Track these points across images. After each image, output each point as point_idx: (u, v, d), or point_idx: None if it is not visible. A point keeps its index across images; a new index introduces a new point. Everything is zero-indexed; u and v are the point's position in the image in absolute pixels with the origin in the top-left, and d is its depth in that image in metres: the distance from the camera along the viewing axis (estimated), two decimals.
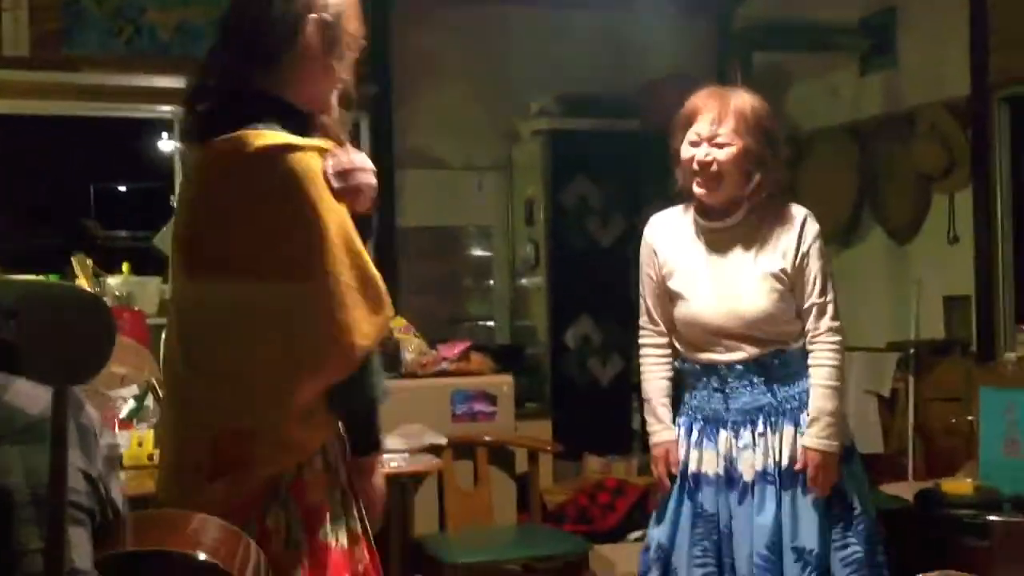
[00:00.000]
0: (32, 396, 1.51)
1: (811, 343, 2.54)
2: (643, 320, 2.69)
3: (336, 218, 1.75)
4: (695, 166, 2.51)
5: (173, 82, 5.10)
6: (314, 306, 1.75)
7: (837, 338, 2.54)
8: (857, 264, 4.87)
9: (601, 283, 5.27)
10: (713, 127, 2.48)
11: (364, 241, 1.83)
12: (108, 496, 1.64)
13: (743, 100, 2.51)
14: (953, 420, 3.97)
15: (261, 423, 1.79)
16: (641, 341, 2.70)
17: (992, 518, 3.11)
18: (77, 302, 1.38)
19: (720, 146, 2.48)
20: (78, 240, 6.56)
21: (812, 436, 2.49)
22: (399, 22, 5.13)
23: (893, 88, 4.79)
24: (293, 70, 1.82)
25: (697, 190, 2.53)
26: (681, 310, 2.58)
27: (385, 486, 1.95)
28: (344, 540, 1.84)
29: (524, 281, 5.50)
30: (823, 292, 2.54)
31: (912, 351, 4.53)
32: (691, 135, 2.52)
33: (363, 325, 1.76)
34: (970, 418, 3.76)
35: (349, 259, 1.75)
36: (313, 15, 1.81)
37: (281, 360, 1.77)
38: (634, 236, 5.33)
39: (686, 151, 2.53)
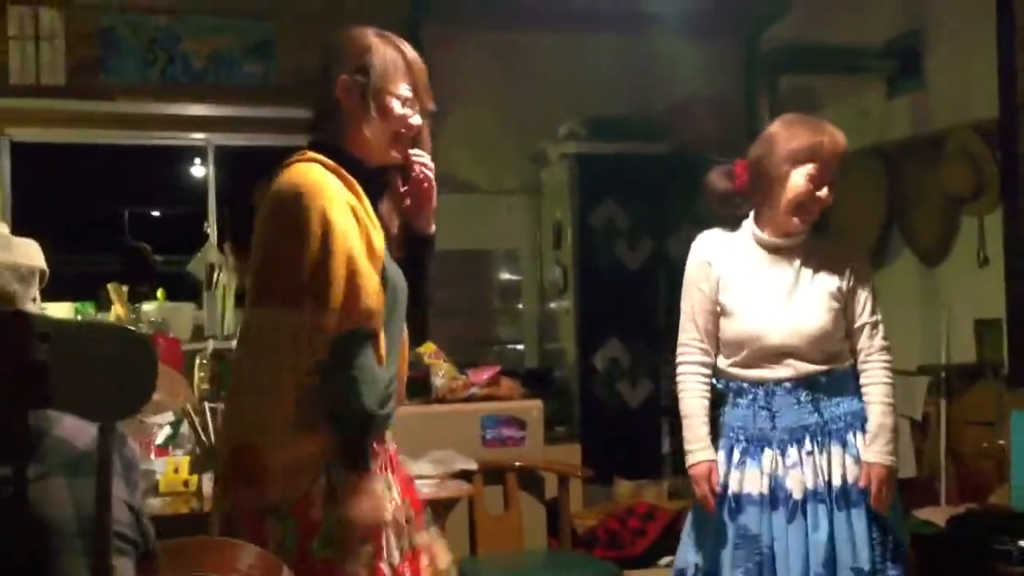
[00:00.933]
0: (80, 430, 1.56)
1: (865, 361, 2.61)
2: (687, 338, 2.68)
3: (329, 231, 1.86)
4: (809, 201, 2.55)
5: (206, 110, 5.20)
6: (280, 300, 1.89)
7: (889, 357, 2.62)
8: (886, 287, 4.82)
9: (629, 306, 5.29)
10: (835, 169, 2.56)
11: (420, 263, 2.06)
12: (145, 525, 1.69)
13: (842, 137, 2.61)
14: (985, 444, 3.94)
15: (264, 439, 1.88)
16: (683, 359, 2.69)
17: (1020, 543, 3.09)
18: (122, 340, 1.43)
19: (831, 187, 2.56)
20: (132, 265, 6.64)
21: (876, 452, 2.54)
22: (427, 46, 5.17)
23: (921, 110, 4.78)
24: (338, 124, 2.02)
25: (796, 221, 2.58)
26: (736, 325, 2.60)
27: (374, 514, 1.90)
28: (335, 555, 1.87)
29: (553, 304, 5.52)
30: (874, 311, 2.62)
31: (943, 375, 4.51)
32: (813, 169, 2.54)
33: (325, 321, 1.84)
34: (1001, 442, 3.74)
35: (329, 265, 1.85)
36: (344, 76, 2.00)
37: (271, 370, 1.89)
38: (662, 259, 5.46)
39: (803, 185, 2.55)
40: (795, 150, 2.55)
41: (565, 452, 4.65)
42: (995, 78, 4.26)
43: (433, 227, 2.10)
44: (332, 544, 1.87)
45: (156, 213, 8.45)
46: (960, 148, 4.48)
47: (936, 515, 3.65)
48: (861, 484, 2.52)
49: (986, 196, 4.40)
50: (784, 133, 2.59)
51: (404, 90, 2.02)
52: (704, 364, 2.66)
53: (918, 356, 4.67)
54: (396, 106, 2.01)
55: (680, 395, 2.69)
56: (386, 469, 2.00)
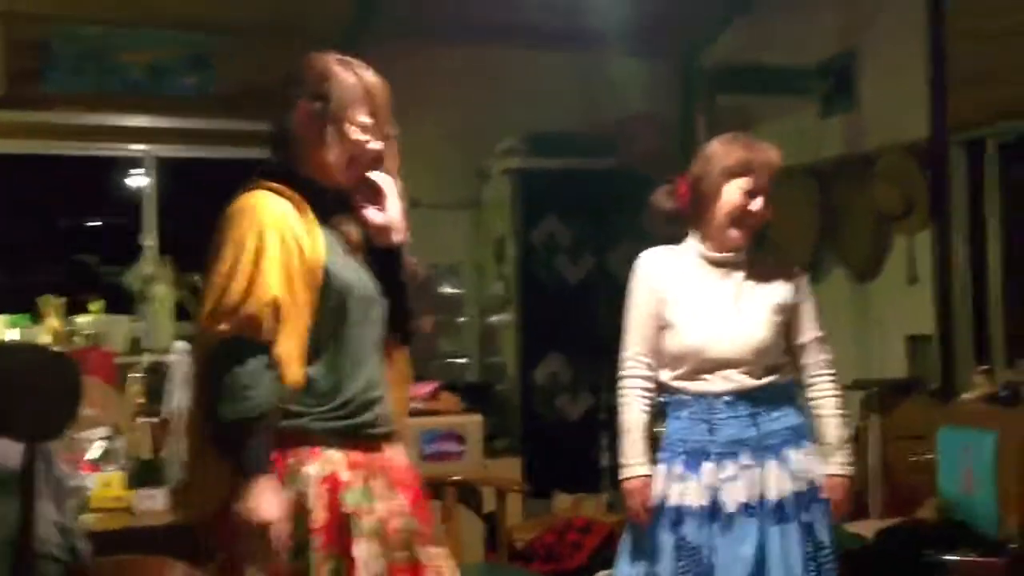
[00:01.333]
0: (7, 450, 1.55)
1: (814, 376, 2.69)
2: (630, 352, 2.69)
3: (248, 245, 1.95)
4: (743, 215, 2.62)
5: (145, 121, 5.16)
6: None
7: (834, 371, 2.72)
8: (820, 303, 4.93)
9: (570, 320, 5.33)
10: (767, 182, 2.62)
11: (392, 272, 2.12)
12: (74, 544, 1.68)
13: (776, 153, 2.67)
14: (914, 458, 4.02)
15: (192, 447, 2.02)
16: (626, 374, 2.70)
17: (951, 557, 3.16)
18: (46, 362, 1.43)
19: (766, 201, 2.62)
20: (78, 277, 6.53)
21: (838, 464, 2.64)
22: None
23: (854, 130, 4.89)
24: (296, 147, 2.08)
25: (734, 234, 2.63)
26: (679, 339, 2.63)
27: (258, 520, 1.89)
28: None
29: (494, 318, 5.54)
30: (818, 327, 2.71)
31: (875, 390, 4.59)
32: (745, 184, 2.61)
33: (213, 313, 1.94)
34: (930, 456, 3.82)
35: (231, 281, 1.94)
36: (303, 101, 2.06)
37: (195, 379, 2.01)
38: (603, 274, 5.50)
39: (737, 198, 2.61)
40: (729, 165, 2.63)
41: (506, 466, 4.67)
42: (925, 100, 4.38)
43: (397, 238, 2.12)
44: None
45: (94, 223, 8.33)
46: (891, 168, 4.58)
47: (865, 528, 3.71)
48: (825, 495, 2.60)
49: (916, 215, 4.51)
50: (720, 150, 2.67)
51: (363, 117, 2.07)
52: (646, 379, 2.69)
53: (851, 371, 4.74)
54: (353, 133, 2.06)
55: (621, 409, 2.71)
56: (369, 480, 2.01)
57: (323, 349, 2.00)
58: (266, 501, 1.89)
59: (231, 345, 1.90)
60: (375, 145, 2.09)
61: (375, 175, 2.12)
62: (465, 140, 5.49)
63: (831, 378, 2.70)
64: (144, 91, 5.05)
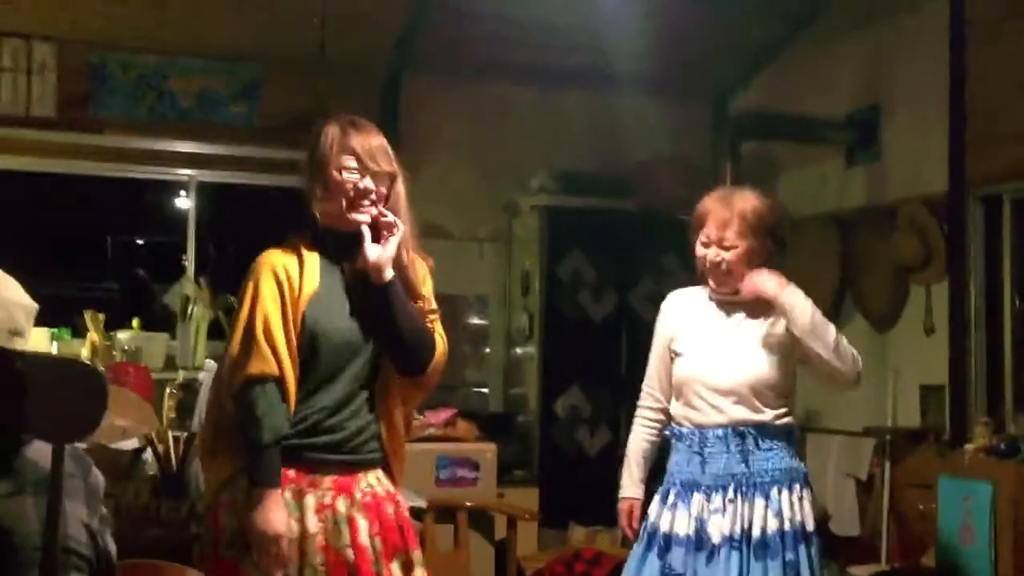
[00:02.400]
0: (47, 452, 1.70)
1: None
2: (645, 384, 2.94)
3: (252, 295, 2.28)
4: (708, 265, 2.78)
5: (192, 147, 5.36)
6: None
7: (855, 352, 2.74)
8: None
9: (592, 355, 5.44)
10: (720, 231, 2.76)
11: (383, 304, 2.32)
12: (105, 547, 1.82)
13: (746, 203, 2.77)
14: (922, 507, 4.08)
15: (201, 456, 2.44)
16: (639, 403, 2.95)
17: None
18: (75, 372, 1.60)
19: (727, 248, 2.76)
20: (131, 293, 6.70)
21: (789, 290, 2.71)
22: (406, 96, 5.39)
23: (876, 181, 4.98)
24: (310, 201, 2.36)
25: (711, 283, 2.82)
26: (681, 367, 2.81)
27: (272, 531, 2.19)
28: (237, 554, 2.23)
29: (519, 350, 5.66)
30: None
31: (888, 437, 4.66)
32: (702, 236, 2.79)
33: (235, 368, 2.26)
34: (934, 505, 3.88)
35: (243, 324, 2.27)
36: (305, 162, 2.36)
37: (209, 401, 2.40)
38: (625, 310, 5.61)
39: (699, 250, 2.81)
40: (695, 218, 2.84)
41: (523, 495, 4.78)
42: (945, 155, 4.46)
43: (381, 278, 2.31)
44: (235, 545, 2.23)
45: (139, 241, 8.57)
46: (910, 220, 4.66)
47: (865, 572, 3.79)
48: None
49: (933, 267, 4.58)
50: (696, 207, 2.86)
51: (346, 160, 2.30)
52: (653, 409, 2.91)
53: (865, 418, 4.83)
54: (336, 176, 2.30)
55: (630, 436, 2.96)
56: (304, 497, 2.27)
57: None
58: (275, 514, 2.20)
59: (255, 382, 2.22)
60: (366, 183, 2.30)
61: (389, 216, 2.34)
62: (497, 176, 5.64)
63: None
64: (192, 118, 5.26)
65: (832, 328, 2.74)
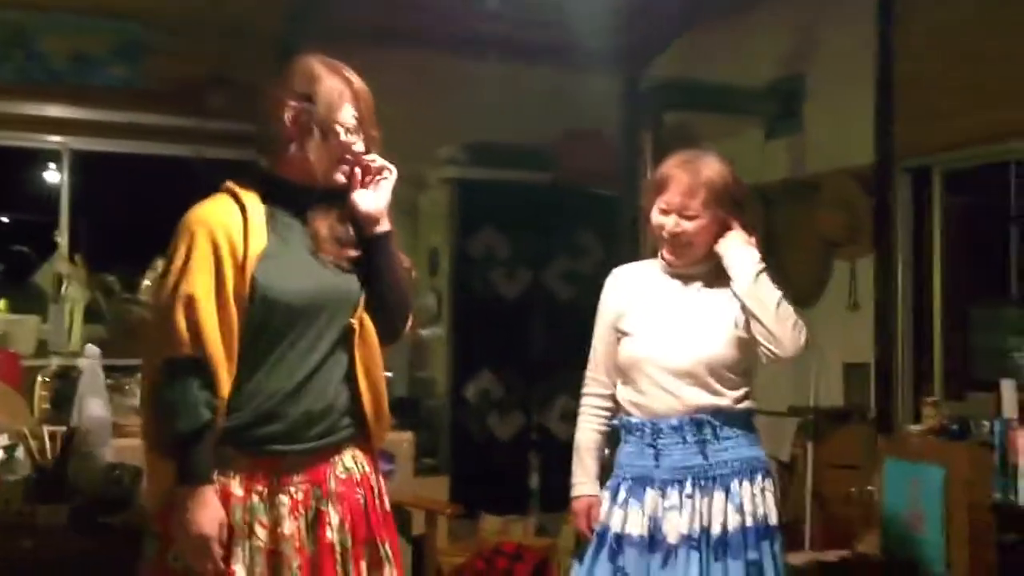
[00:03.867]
0: None
1: None
2: (589, 370, 2.68)
3: (176, 263, 2.00)
4: (665, 234, 2.53)
5: (66, 112, 4.90)
6: None
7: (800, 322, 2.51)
8: None
9: (504, 337, 5.20)
10: (683, 199, 2.49)
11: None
12: None
13: (713, 170, 2.52)
14: (853, 490, 3.95)
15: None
16: (583, 392, 2.69)
17: None
18: None
19: (690, 218, 2.50)
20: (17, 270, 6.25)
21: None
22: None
23: (798, 153, 4.85)
24: (280, 148, 2.10)
25: (666, 256, 2.58)
26: (628, 347, 2.56)
27: (199, 532, 1.94)
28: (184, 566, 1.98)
29: (425, 332, 5.37)
30: None
31: (811, 417, 4.53)
32: (661, 203, 2.53)
33: (149, 349, 2.04)
34: (870, 488, 3.75)
35: (161, 297, 2.01)
36: (291, 103, 2.08)
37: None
38: (540, 289, 5.38)
39: (656, 218, 2.55)
40: (652, 183, 2.60)
41: (433, 485, 4.53)
42: (871, 126, 4.34)
43: (378, 228, 2.15)
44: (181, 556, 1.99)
45: (3, 219, 7.99)
46: (835, 193, 4.55)
47: (802, 560, 3.63)
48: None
49: (859, 241, 4.47)
50: (657, 168, 2.62)
51: (349, 119, 2.10)
52: (602, 397, 2.65)
53: (787, 397, 4.70)
54: (341, 134, 2.09)
55: (577, 427, 2.69)
56: (274, 496, 2.01)
57: (242, 358, 2.00)
58: (202, 514, 1.93)
59: (167, 365, 1.97)
60: (360, 147, 2.13)
61: (380, 160, 2.17)
62: (402, 146, 5.30)
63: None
64: (66, 80, 4.80)
65: (776, 292, 2.50)
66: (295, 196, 2.09)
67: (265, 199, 2.08)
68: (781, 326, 2.46)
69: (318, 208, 2.10)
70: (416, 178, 5.37)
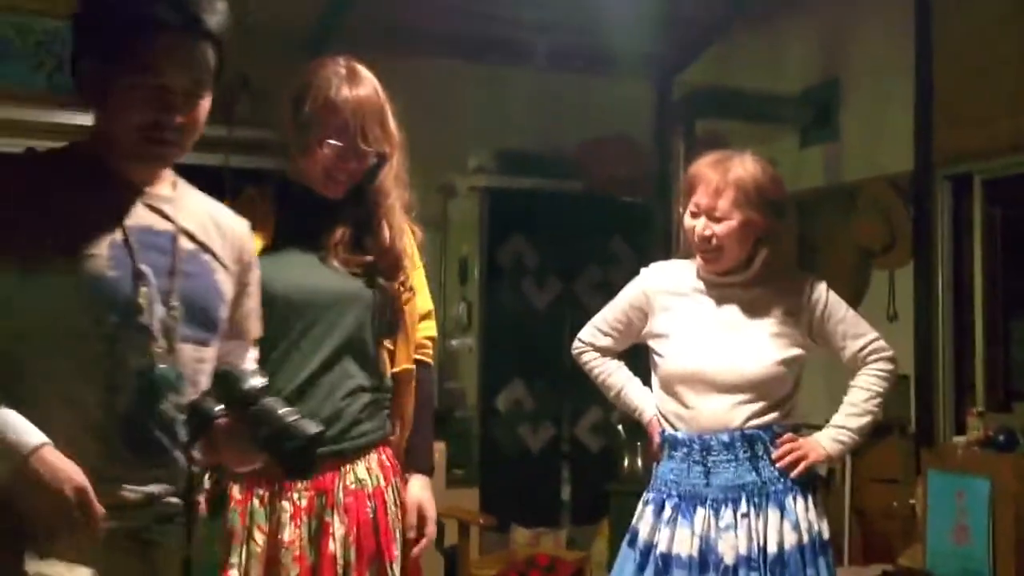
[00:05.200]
0: None
1: (859, 372, 2.52)
2: (589, 325, 2.60)
3: None
4: (695, 238, 2.43)
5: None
6: None
7: (884, 365, 2.47)
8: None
9: (535, 346, 5.13)
10: (712, 200, 2.39)
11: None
12: None
13: (745, 170, 2.42)
14: (895, 504, 3.85)
15: None
16: (584, 339, 2.61)
17: None
18: None
19: (718, 220, 2.39)
20: None
21: (829, 435, 2.47)
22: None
23: (834, 161, 4.77)
24: (290, 156, 2.11)
25: (699, 260, 2.47)
26: (672, 358, 2.44)
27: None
28: None
29: (455, 342, 5.32)
30: (859, 334, 2.49)
31: None
32: (691, 205, 2.44)
33: None
34: (912, 501, 3.66)
35: None
36: (287, 103, 2.08)
37: None
38: (569, 298, 5.31)
39: (687, 220, 2.45)
40: (682, 185, 2.50)
41: (464, 496, 4.47)
42: (910, 133, 4.26)
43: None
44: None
45: None
46: (873, 201, 4.46)
47: (842, 575, 3.54)
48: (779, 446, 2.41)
49: (897, 250, 4.38)
50: (687, 170, 2.52)
51: (332, 137, 2.03)
52: (603, 348, 2.59)
53: (825, 410, 4.58)
54: (324, 148, 2.03)
55: (597, 376, 2.61)
56: (303, 509, 1.96)
57: None
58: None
59: None
60: (348, 163, 2.06)
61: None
62: (431, 156, 5.24)
63: (875, 373, 2.48)
64: None
65: (880, 399, 2.50)
66: (307, 200, 2.07)
67: (280, 202, 2.07)
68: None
69: (336, 212, 2.07)
70: (446, 187, 5.33)
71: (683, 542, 2.37)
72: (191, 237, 1.64)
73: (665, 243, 4.59)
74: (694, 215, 2.42)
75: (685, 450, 2.42)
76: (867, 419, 2.47)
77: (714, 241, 2.40)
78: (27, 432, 1.47)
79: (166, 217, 1.62)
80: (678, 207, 2.54)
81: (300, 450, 1.55)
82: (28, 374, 1.51)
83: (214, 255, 1.66)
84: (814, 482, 2.48)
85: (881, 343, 2.50)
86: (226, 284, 1.67)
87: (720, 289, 2.47)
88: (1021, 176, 4.11)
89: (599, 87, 5.32)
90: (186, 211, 1.65)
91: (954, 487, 3.31)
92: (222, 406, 1.56)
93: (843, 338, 2.48)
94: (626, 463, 4.66)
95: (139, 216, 1.59)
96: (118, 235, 1.55)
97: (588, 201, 5.21)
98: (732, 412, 2.39)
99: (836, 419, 2.50)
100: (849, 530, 4.34)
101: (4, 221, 1.51)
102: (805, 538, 2.36)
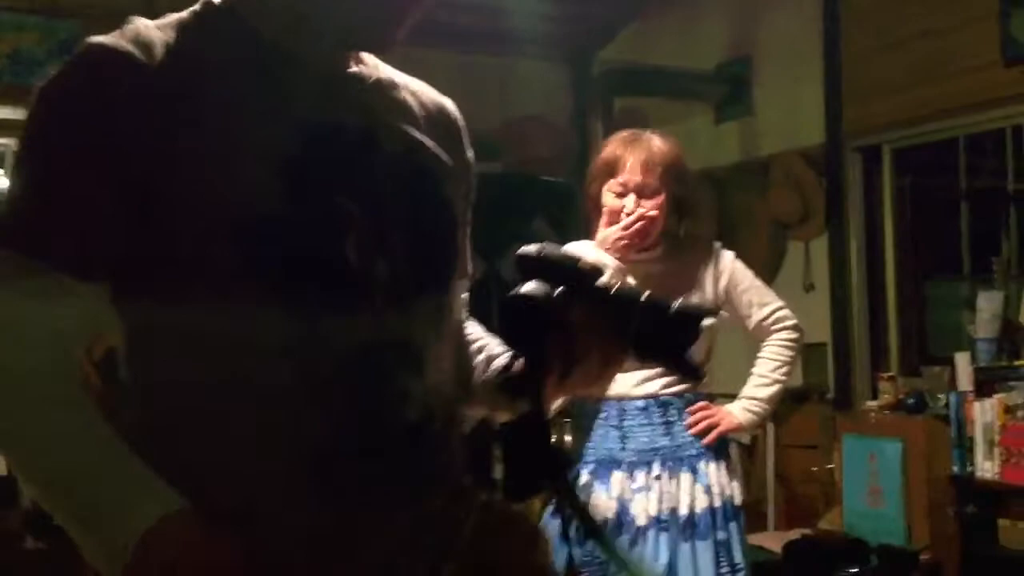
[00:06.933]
0: None
1: (764, 343, 2.58)
2: None
3: None
4: (624, 216, 2.42)
5: (4, 113, 4.75)
6: None
7: (789, 334, 2.56)
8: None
9: None
10: (644, 176, 2.41)
11: None
12: None
13: (665, 145, 2.45)
14: (814, 469, 3.95)
15: None
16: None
17: (863, 569, 3.08)
18: None
19: (649, 196, 2.41)
20: None
21: (741, 405, 2.53)
22: None
23: (748, 136, 4.84)
24: None
25: (622, 241, 2.44)
26: None
27: None
28: None
29: None
30: (764, 303, 2.55)
31: None
32: (615, 185, 2.44)
33: None
34: (830, 466, 3.76)
35: None
36: None
37: None
38: (492, 278, 5.29)
39: (611, 201, 2.45)
40: (604, 163, 2.47)
41: None
42: (821, 106, 4.35)
43: None
44: None
45: None
46: (786, 174, 4.55)
47: (767, 540, 3.63)
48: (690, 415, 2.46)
49: (812, 222, 4.48)
50: (603, 149, 2.52)
51: None
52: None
53: (745, 379, 4.69)
54: None
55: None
56: None
57: None
58: None
59: None
60: None
61: None
62: None
63: (780, 343, 2.56)
64: (4, 81, 4.67)
65: (787, 368, 2.60)
66: None
67: None
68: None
69: None
70: None
71: (600, 505, 2.43)
72: (402, 135, 1.16)
73: (587, 222, 4.63)
74: (620, 195, 2.44)
75: (603, 417, 2.49)
76: (776, 388, 2.54)
77: (650, 214, 2.42)
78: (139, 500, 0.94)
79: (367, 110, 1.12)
80: (592, 189, 2.53)
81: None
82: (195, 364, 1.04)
83: (436, 156, 1.19)
84: (727, 447, 2.54)
85: (786, 312, 2.56)
86: (456, 195, 1.22)
87: (632, 265, 2.50)
88: (928, 145, 4.23)
89: (517, 68, 5.33)
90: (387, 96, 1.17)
91: (867, 450, 3.41)
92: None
93: (748, 307, 2.54)
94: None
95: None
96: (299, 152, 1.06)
97: (508, 181, 5.21)
98: (647, 380, 2.45)
99: (746, 391, 2.57)
100: (773, 495, 4.45)
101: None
102: (716, 501, 2.43)
